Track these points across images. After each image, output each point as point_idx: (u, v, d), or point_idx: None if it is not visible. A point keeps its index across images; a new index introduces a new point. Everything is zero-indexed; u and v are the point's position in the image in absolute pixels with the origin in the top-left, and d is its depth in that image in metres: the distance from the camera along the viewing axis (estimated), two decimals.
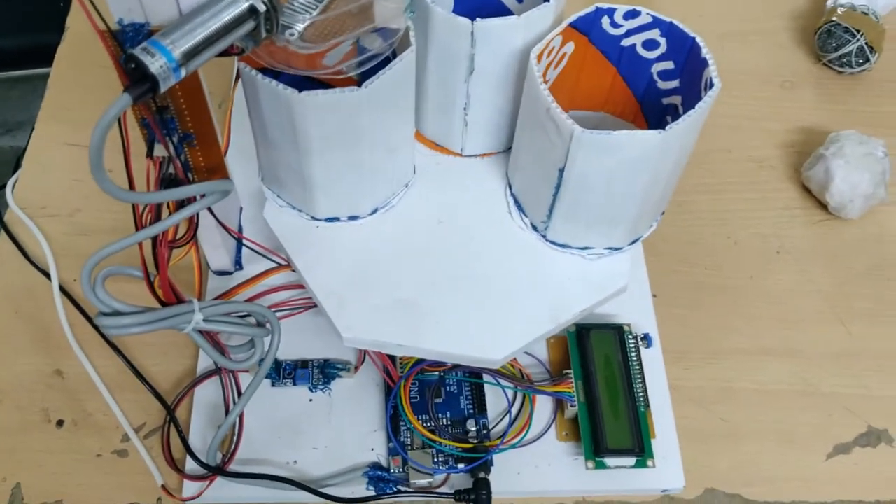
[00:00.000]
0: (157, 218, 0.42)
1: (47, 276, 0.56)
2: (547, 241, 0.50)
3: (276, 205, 0.51)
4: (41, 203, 0.60)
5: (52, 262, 0.56)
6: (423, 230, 0.51)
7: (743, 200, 0.64)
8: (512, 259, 0.50)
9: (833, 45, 0.69)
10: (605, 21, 0.47)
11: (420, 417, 0.51)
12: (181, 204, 0.43)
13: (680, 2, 0.76)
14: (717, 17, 0.76)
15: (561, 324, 0.48)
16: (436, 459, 0.50)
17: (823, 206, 0.63)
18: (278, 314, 0.53)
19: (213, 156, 0.44)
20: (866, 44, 0.68)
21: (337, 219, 0.50)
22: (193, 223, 0.45)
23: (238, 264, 0.56)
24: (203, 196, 0.42)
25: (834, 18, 0.69)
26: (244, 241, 0.54)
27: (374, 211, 0.51)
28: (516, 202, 0.52)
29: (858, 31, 0.68)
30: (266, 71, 0.41)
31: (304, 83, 0.42)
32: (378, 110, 0.43)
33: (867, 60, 0.69)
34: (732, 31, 0.75)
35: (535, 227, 0.51)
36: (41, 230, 0.58)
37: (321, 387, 0.52)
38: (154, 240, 0.43)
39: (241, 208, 0.57)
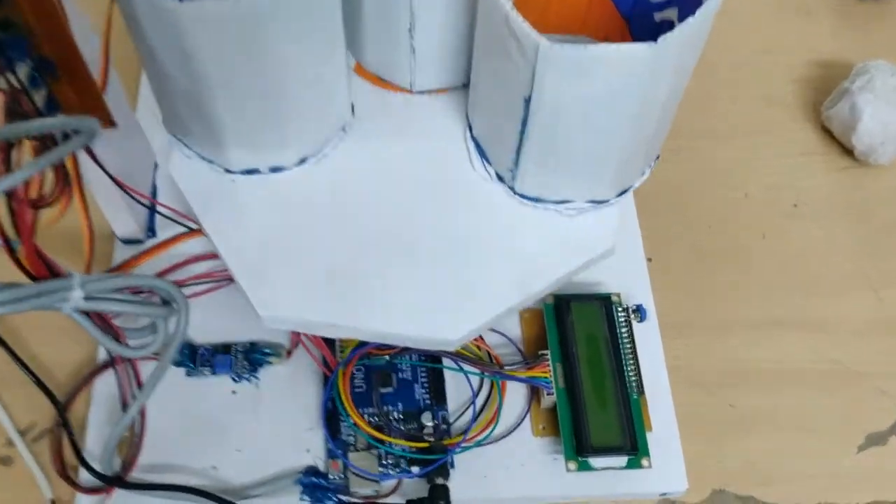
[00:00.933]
0: (8, 170, 0.33)
1: None
2: (515, 194, 0.41)
3: (182, 155, 0.42)
4: None
5: None
6: (363, 184, 0.41)
7: (753, 147, 0.55)
8: (472, 217, 0.41)
9: None
10: None
11: (364, 411, 0.42)
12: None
13: None
14: None
15: (532, 294, 0.39)
16: (384, 462, 0.41)
17: (848, 151, 0.53)
18: (196, 288, 0.44)
19: (86, 91, 0.35)
20: None
21: (256, 171, 0.41)
22: (62, 176, 0.35)
23: (151, 231, 0.47)
24: (65, 139, 0.33)
25: None
26: (151, 203, 0.45)
27: (303, 161, 0.41)
28: (478, 147, 0.42)
29: None
30: None
31: None
32: (288, 28, 0.34)
33: None
34: None
35: (500, 178, 0.41)
36: None
37: (246, 376, 0.43)
38: (9, 199, 0.33)
39: (156, 165, 0.48)
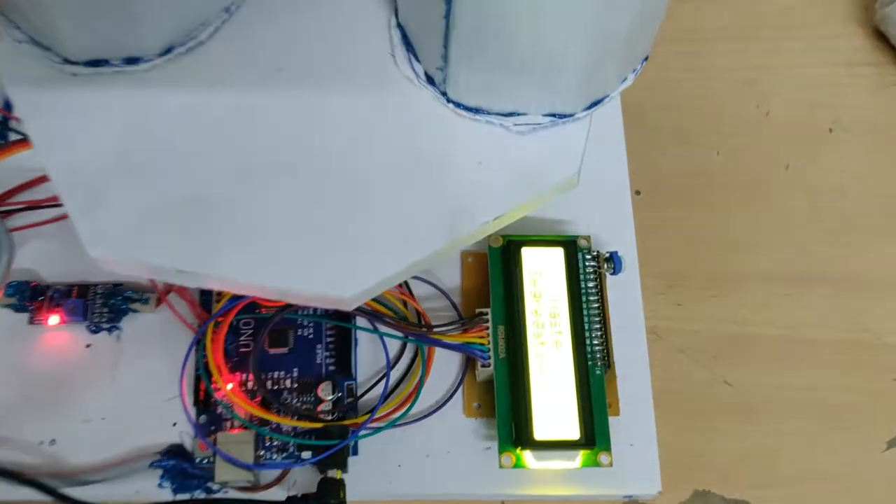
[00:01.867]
0: None
1: None
2: (449, 101, 0.30)
3: (11, 41, 0.31)
4: None
5: None
6: (248, 86, 0.31)
7: (781, 52, 0.43)
8: (389, 132, 0.31)
9: None
10: None
11: (246, 379, 0.32)
12: None
13: None
14: None
15: (464, 237, 0.29)
16: (266, 445, 0.32)
17: None
18: (44, 214, 0.35)
19: None
20: None
21: (105, 62, 0.31)
22: None
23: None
24: None
25: None
26: None
27: (168, 50, 0.31)
28: (404, 38, 0.31)
29: None
30: None
31: None
32: None
33: None
34: None
35: (430, 80, 0.31)
36: None
37: (106, 326, 0.34)
38: None
39: None
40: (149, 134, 0.30)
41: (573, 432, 0.31)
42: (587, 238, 0.35)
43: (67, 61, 0.31)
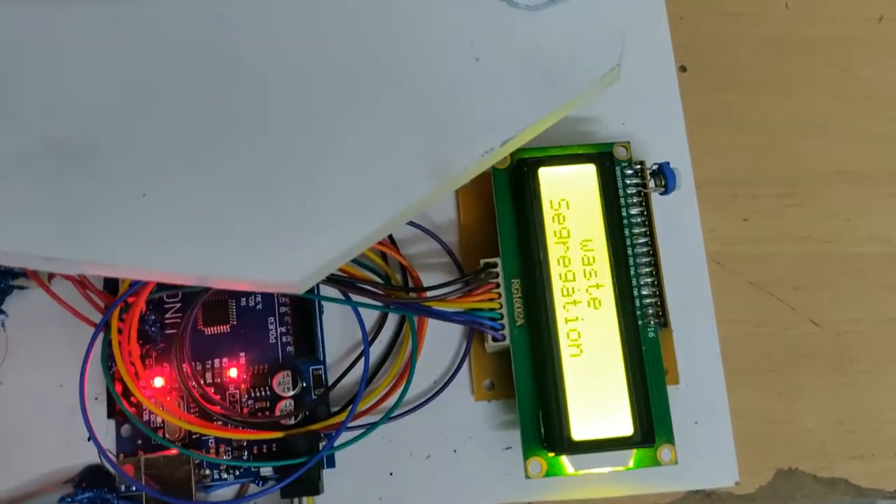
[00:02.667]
0: None
1: None
2: None
3: None
4: None
5: None
6: None
7: None
8: (338, 16, 0.21)
9: None
10: None
11: (176, 371, 0.24)
12: None
13: None
14: None
15: (455, 178, 0.20)
16: (208, 465, 0.24)
17: None
18: None
19: None
20: None
21: None
22: None
23: None
24: None
25: None
26: None
27: None
28: None
29: None
30: None
31: None
32: None
33: None
34: None
35: None
36: None
37: None
38: None
39: None
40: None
41: (624, 427, 0.22)
42: (626, 145, 0.25)
43: None
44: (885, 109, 0.29)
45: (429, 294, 0.23)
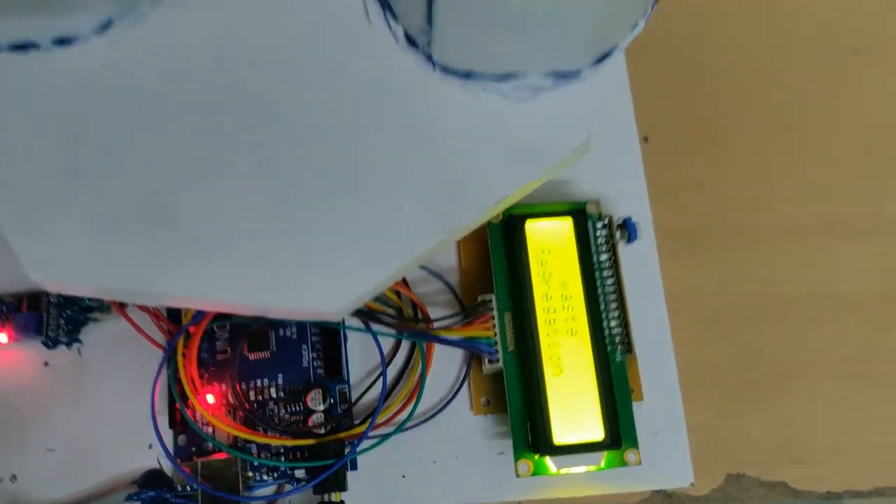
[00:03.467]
0: None
1: None
2: (435, 65, 0.26)
3: None
4: None
5: None
6: (200, 63, 0.26)
7: None
8: (369, 108, 0.26)
9: None
10: None
11: (227, 389, 0.29)
12: None
13: None
14: None
15: (460, 229, 0.25)
16: (251, 468, 0.28)
17: None
18: None
19: None
20: None
21: (32, 44, 0.26)
22: None
23: None
24: None
25: None
26: None
27: (106, 26, 0.26)
28: None
29: None
30: None
31: None
32: None
33: None
34: None
35: (412, 41, 0.26)
36: None
37: (64, 340, 0.30)
38: None
39: None
40: (87, 130, 0.26)
41: (596, 432, 0.27)
42: (597, 203, 0.31)
43: None
44: (822, 168, 0.35)
45: (435, 324, 0.29)
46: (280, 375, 0.29)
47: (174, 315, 0.29)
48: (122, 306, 0.29)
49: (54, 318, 0.30)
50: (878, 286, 0.33)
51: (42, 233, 0.24)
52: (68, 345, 0.30)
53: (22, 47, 0.26)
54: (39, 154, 0.25)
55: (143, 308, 0.28)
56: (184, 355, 0.28)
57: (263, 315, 0.26)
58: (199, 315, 0.28)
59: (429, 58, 0.26)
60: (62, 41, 0.26)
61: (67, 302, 0.30)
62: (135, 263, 0.24)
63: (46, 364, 0.30)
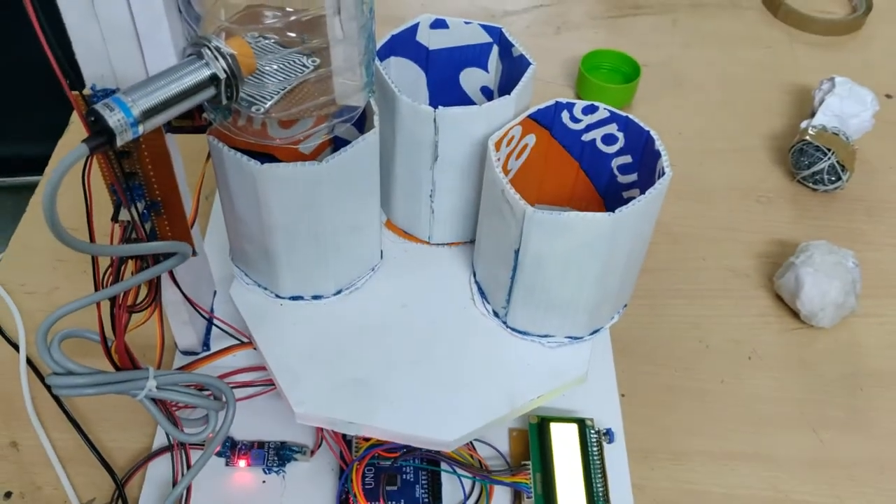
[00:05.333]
0: (117, 281, 0.43)
1: (16, 348, 0.56)
2: (507, 327, 0.51)
3: (243, 283, 0.52)
4: (21, 280, 0.62)
5: (23, 336, 0.57)
6: (385, 312, 0.51)
7: (717, 306, 0.64)
8: (471, 344, 0.50)
9: (805, 162, 0.71)
10: (565, 115, 0.49)
11: None
12: (142, 270, 0.44)
13: (659, 120, 0.79)
14: (696, 136, 0.79)
15: (517, 409, 0.48)
16: None
17: (795, 314, 0.63)
18: (240, 394, 0.53)
19: (179, 225, 0.46)
20: (837, 162, 0.70)
21: (301, 297, 0.51)
22: (154, 289, 0.45)
23: (206, 345, 0.56)
24: (162, 259, 0.43)
25: (806, 137, 0.71)
26: (212, 320, 0.55)
27: (339, 292, 0.52)
28: (479, 289, 0.52)
29: (829, 150, 0.70)
30: (238, 149, 0.43)
31: (273, 159, 0.44)
32: (338, 187, 0.45)
33: (839, 178, 0.71)
34: (712, 148, 0.77)
35: (496, 314, 0.51)
36: (17, 306, 0.59)
37: (276, 468, 0.51)
38: (112, 302, 0.43)
39: (215, 292, 0.58)
40: (327, 338, 0.50)
41: None
42: (591, 419, 0.53)
43: (278, 296, 0.51)
44: (722, 423, 0.57)
45: (494, 473, 0.50)
46: (402, 500, 0.50)
47: (341, 456, 0.51)
48: (317, 446, 0.50)
49: (272, 455, 0.52)
50: (759, 491, 0.54)
51: (302, 388, 0.47)
52: (278, 472, 0.51)
53: (296, 298, 0.51)
54: (305, 350, 0.49)
55: (338, 440, 0.50)
56: (356, 476, 0.49)
57: (407, 442, 0.48)
58: (365, 452, 0.49)
59: (504, 323, 0.51)
60: (317, 297, 0.51)
61: (280, 447, 0.52)
62: (349, 408, 0.47)
63: (264, 482, 0.51)
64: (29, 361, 0.56)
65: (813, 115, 0.74)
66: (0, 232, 0.78)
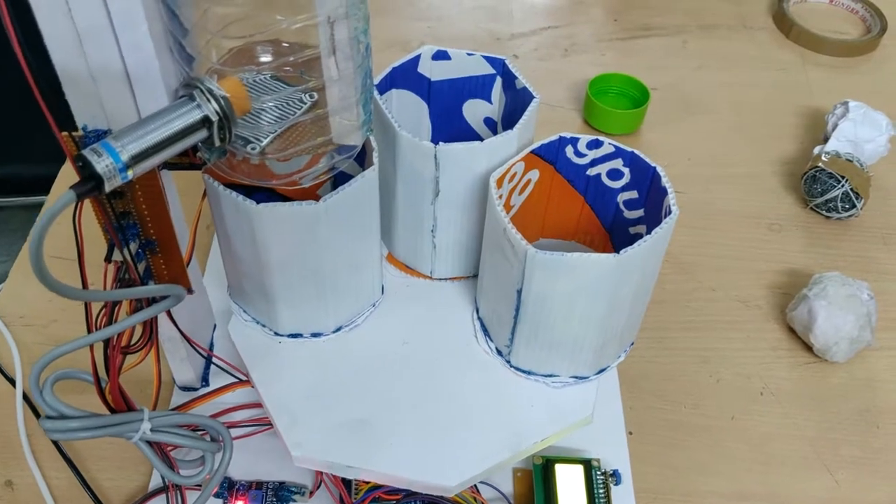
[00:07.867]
0: (110, 322, 0.42)
1: (13, 382, 0.56)
2: (511, 366, 0.49)
3: (241, 320, 0.51)
4: (20, 313, 0.61)
5: (20, 371, 0.56)
6: (386, 350, 0.50)
7: (727, 339, 0.63)
8: (474, 384, 0.49)
9: (819, 189, 0.70)
10: (570, 150, 0.48)
11: None
12: (136, 311, 0.43)
13: (668, 145, 0.78)
14: (706, 161, 0.77)
15: (521, 451, 0.47)
16: None
17: (809, 348, 0.61)
18: (237, 432, 0.52)
19: (174, 264, 0.45)
20: (851, 189, 0.68)
21: (300, 335, 0.50)
22: (149, 329, 0.44)
23: (204, 381, 0.55)
24: (155, 301, 0.42)
25: (819, 164, 0.70)
26: (210, 357, 0.54)
27: (338, 329, 0.50)
28: (482, 326, 0.51)
29: (843, 177, 0.69)
30: (235, 185, 0.42)
31: (270, 197, 0.43)
32: (338, 226, 0.44)
33: (853, 206, 0.69)
34: (722, 174, 0.76)
35: (499, 352, 0.50)
36: (15, 338, 0.58)
37: None
38: (106, 344, 0.42)
39: (215, 326, 0.57)
40: (326, 377, 0.49)
41: None
42: (598, 460, 0.52)
43: (276, 333, 0.50)
44: (733, 462, 0.56)
45: None
46: None
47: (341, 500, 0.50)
48: (315, 488, 0.49)
49: (270, 496, 0.50)
50: None
51: (300, 430, 0.46)
52: None
53: (295, 335, 0.50)
54: (304, 389, 0.48)
55: (338, 484, 0.49)
56: None
57: (409, 487, 0.47)
58: (364, 496, 0.48)
59: (507, 362, 0.50)
60: (316, 335, 0.50)
61: (279, 487, 0.51)
62: (347, 451, 0.46)
63: None
64: (25, 397, 0.55)
65: (826, 139, 0.73)
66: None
